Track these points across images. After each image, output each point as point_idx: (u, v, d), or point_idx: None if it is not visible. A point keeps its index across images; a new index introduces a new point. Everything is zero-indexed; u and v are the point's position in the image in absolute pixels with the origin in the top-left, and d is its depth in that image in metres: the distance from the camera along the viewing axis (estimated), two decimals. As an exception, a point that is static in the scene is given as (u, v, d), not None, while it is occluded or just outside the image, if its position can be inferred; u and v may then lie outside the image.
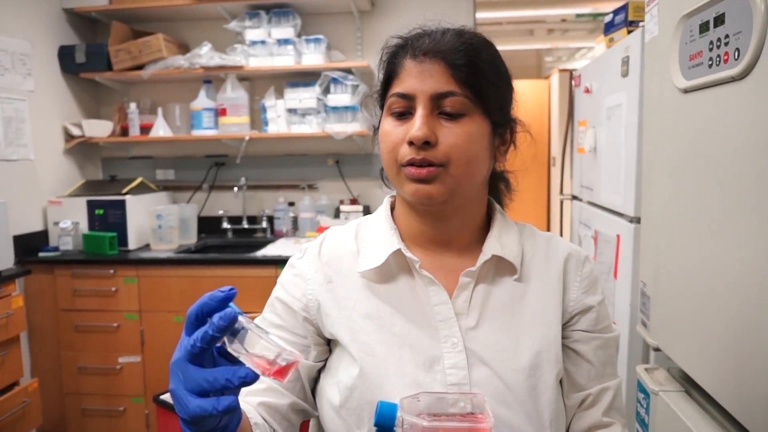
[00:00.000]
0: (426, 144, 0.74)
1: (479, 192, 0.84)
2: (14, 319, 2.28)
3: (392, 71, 0.80)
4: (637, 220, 1.71)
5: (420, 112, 0.75)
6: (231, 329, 0.55)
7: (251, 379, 0.55)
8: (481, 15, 4.39)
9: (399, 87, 0.77)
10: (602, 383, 0.85)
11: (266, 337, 0.57)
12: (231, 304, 0.57)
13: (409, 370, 0.77)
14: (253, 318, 0.82)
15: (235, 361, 0.58)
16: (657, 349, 1.18)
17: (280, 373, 0.56)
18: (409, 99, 0.76)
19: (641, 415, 1.19)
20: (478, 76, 0.75)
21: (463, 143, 0.75)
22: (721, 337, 0.90)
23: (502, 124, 0.81)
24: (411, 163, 0.75)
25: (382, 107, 0.83)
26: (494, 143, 0.81)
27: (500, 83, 0.80)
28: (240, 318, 0.56)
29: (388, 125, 0.78)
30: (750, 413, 0.82)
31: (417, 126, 0.74)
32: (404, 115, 0.77)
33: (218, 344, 0.57)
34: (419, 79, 0.75)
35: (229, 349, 0.57)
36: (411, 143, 0.74)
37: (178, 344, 0.58)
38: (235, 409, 0.55)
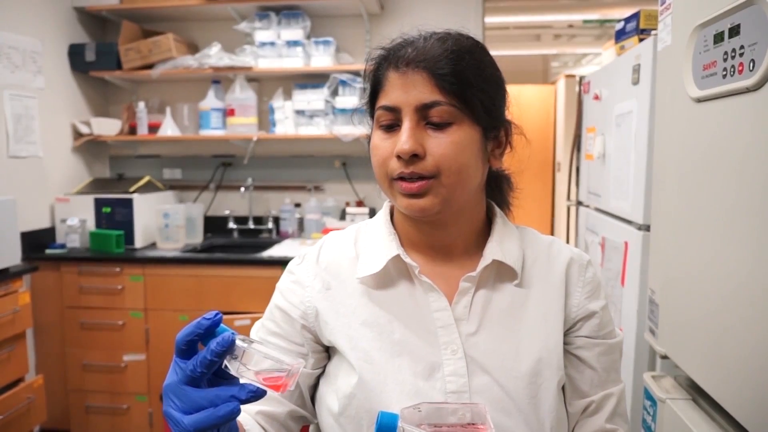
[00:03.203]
0: (414, 157, 0.73)
1: (476, 197, 0.82)
2: (21, 315, 2.30)
3: (377, 83, 0.79)
4: (645, 228, 1.70)
5: (406, 125, 0.74)
6: (230, 353, 0.57)
7: (252, 395, 0.56)
8: (488, 20, 4.39)
9: (384, 100, 0.77)
10: (606, 389, 0.84)
11: (263, 353, 0.58)
12: (223, 326, 0.58)
13: (408, 377, 0.76)
14: (254, 321, 0.82)
15: (231, 379, 0.59)
16: (665, 357, 1.18)
17: (283, 386, 0.57)
18: (395, 111, 0.75)
19: (648, 422, 1.19)
20: (464, 83, 0.73)
21: (452, 153, 0.73)
22: (730, 345, 0.90)
23: (495, 128, 0.80)
24: (401, 177, 0.74)
25: (372, 118, 0.82)
26: (486, 147, 0.79)
27: (488, 87, 0.77)
28: (237, 340, 0.57)
29: (377, 139, 0.78)
30: (759, 422, 0.82)
31: (403, 139, 0.73)
32: (392, 127, 0.76)
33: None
34: (403, 90, 0.74)
35: (231, 370, 0.57)
36: (399, 157, 0.74)
37: (171, 369, 0.59)
38: (236, 416, 0.56)
